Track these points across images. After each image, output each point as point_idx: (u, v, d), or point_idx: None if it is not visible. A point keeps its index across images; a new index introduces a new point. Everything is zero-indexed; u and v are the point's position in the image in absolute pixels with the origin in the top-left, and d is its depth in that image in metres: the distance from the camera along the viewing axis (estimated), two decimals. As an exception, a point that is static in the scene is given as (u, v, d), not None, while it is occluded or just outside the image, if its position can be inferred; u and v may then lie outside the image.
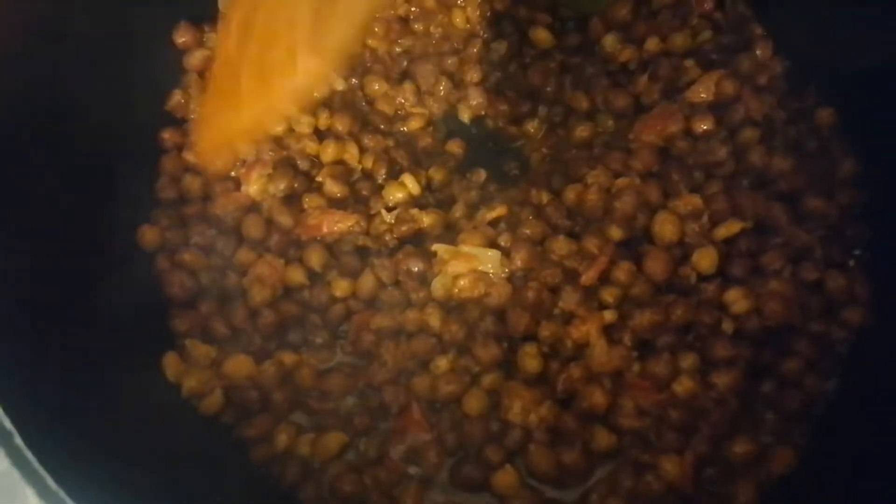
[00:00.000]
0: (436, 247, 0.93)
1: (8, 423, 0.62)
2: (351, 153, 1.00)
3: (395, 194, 0.98)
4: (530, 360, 0.89)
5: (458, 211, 0.98)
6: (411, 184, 0.98)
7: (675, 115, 0.96)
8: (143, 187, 1.00)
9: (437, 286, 0.92)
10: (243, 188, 0.97)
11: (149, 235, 0.97)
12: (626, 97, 1.02)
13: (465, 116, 1.08)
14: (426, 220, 0.96)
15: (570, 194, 0.95)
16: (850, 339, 0.90)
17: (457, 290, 0.91)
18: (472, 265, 0.91)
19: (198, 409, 0.89)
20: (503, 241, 0.93)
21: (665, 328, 0.89)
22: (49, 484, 0.60)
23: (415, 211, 0.97)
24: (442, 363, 0.90)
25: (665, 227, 0.91)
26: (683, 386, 0.86)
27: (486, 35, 1.09)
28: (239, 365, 0.90)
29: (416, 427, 0.88)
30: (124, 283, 0.90)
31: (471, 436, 0.87)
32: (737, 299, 0.89)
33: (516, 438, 0.86)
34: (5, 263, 0.75)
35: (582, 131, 1.02)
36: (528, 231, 0.93)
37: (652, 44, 1.03)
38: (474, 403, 0.88)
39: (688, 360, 0.87)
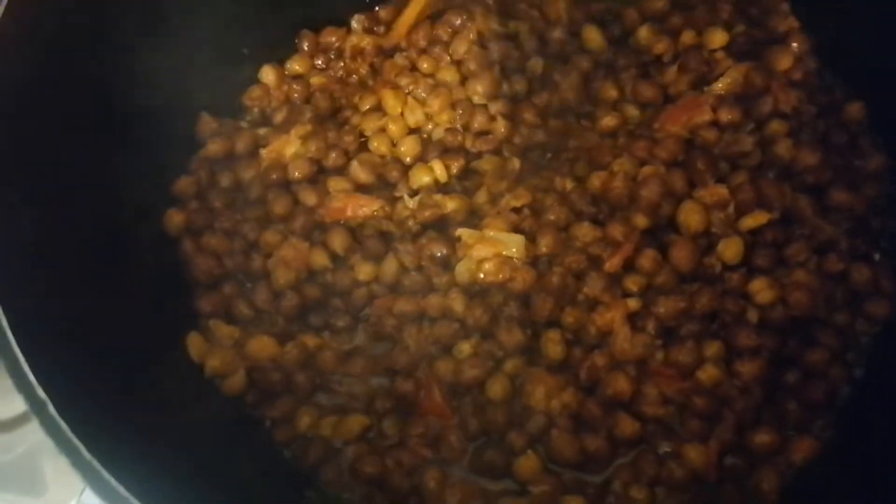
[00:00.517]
0: (460, 231, 0.93)
1: (41, 393, 0.62)
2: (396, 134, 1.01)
3: (421, 178, 0.97)
4: (553, 346, 0.89)
5: (481, 197, 0.98)
6: (439, 169, 0.97)
7: (702, 105, 0.96)
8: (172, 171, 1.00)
9: (462, 270, 0.92)
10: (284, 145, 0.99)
11: (175, 219, 0.97)
12: (655, 88, 1.01)
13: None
14: (450, 205, 0.95)
15: (595, 182, 0.95)
16: (875, 331, 0.90)
17: (481, 275, 0.91)
18: (497, 249, 0.91)
19: (221, 390, 0.89)
20: (527, 226, 0.93)
21: (689, 316, 0.89)
22: (83, 454, 0.60)
23: (438, 196, 0.96)
24: (465, 348, 0.90)
25: (691, 217, 0.91)
26: (708, 374, 0.86)
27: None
28: (262, 346, 0.90)
29: (438, 411, 0.88)
30: (150, 264, 0.91)
31: (493, 421, 0.87)
32: (761, 289, 0.89)
33: (539, 424, 0.86)
34: (39, 245, 0.75)
35: (608, 121, 1.01)
36: (552, 217, 0.93)
37: (688, 37, 1.01)
38: (497, 388, 0.87)
39: (712, 349, 0.87)
